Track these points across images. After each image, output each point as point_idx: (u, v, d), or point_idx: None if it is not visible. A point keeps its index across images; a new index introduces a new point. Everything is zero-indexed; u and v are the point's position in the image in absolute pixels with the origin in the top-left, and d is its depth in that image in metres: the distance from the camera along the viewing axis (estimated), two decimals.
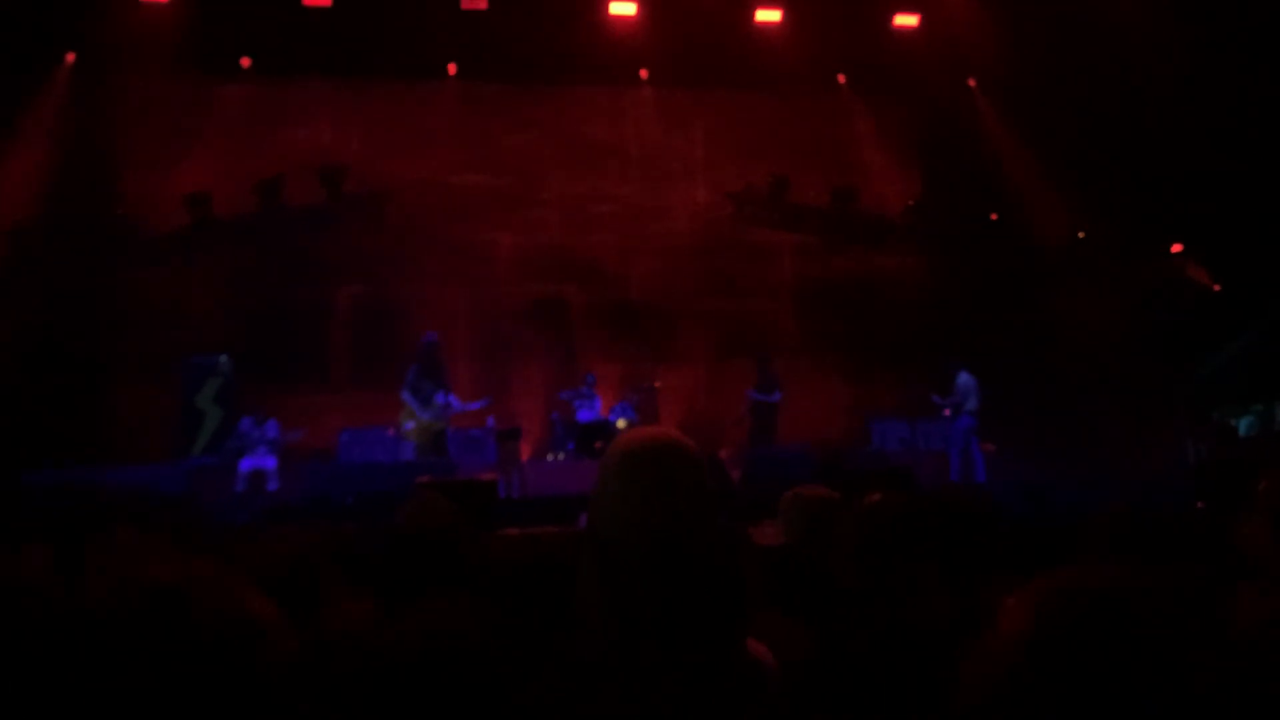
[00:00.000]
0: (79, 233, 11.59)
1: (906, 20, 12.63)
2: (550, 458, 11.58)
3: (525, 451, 11.35)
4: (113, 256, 11.87)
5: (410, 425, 9.98)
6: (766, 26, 12.50)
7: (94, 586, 0.62)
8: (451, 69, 12.94)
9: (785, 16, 12.42)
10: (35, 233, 11.41)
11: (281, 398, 11.60)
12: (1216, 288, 12.23)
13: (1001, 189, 13.06)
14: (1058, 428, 11.70)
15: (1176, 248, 12.70)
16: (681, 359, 13.01)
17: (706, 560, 1.61)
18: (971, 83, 13.55)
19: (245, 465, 10.37)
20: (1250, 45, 9.96)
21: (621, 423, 11.44)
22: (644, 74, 13.42)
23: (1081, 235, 13.06)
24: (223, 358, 11.48)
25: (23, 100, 11.33)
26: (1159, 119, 10.81)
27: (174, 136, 12.28)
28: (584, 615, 1.62)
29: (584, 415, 11.68)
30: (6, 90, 11.04)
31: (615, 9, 12.17)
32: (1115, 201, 11.91)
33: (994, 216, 13.45)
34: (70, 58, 11.70)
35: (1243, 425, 11.94)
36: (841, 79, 13.75)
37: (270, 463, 10.44)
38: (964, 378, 11.26)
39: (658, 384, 12.43)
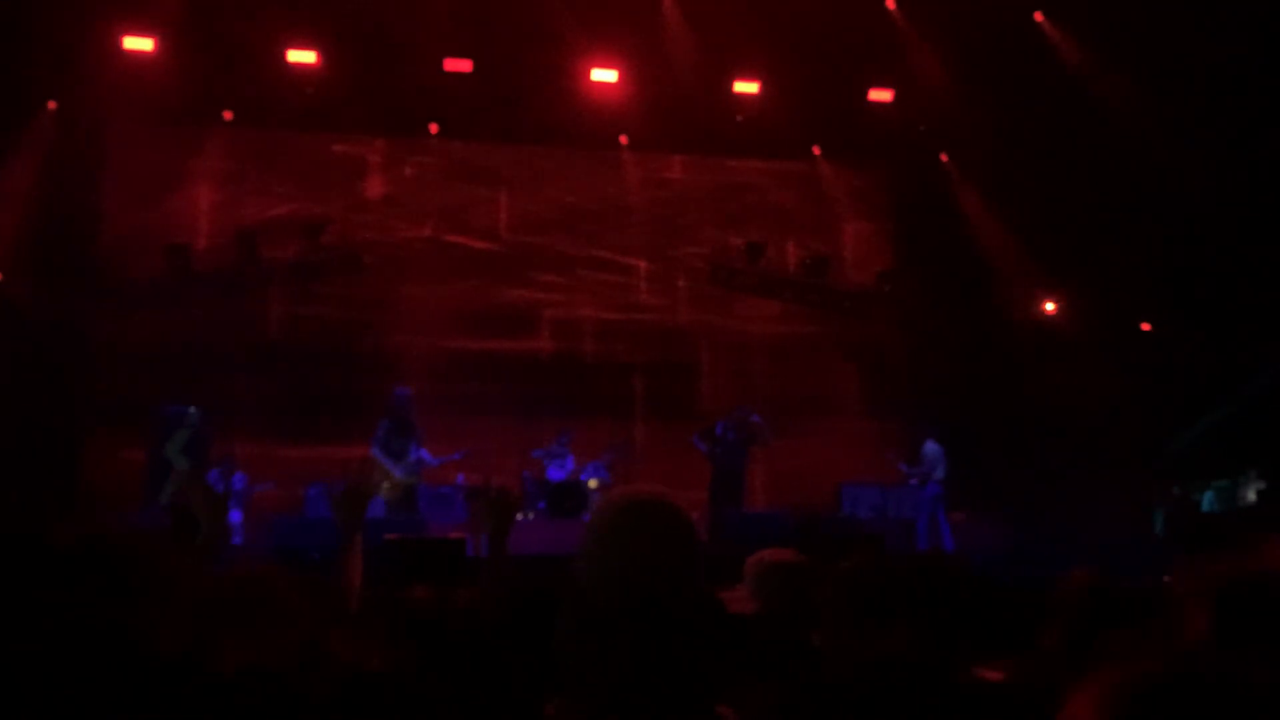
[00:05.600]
0: (56, 278, 11.49)
1: (881, 94, 12.87)
2: (521, 517, 11.47)
3: None
4: (88, 304, 11.78)
5: (382, 481, 9.85)
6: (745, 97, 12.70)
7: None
8: (433, 128, 13.07)
9: (763, 89, 12.61)
10: (12, 278, 11.32)
11: (250, 450, 11.47)
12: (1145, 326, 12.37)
13: (974, 260, 13.26)
14: (1029, 497, 11.74)
15: (1145, 326, 12.81)
16: (655, 416, 13.01)
17: (686, 621, 1.61)
18: (944, 157, 13.81)
19: None
20: (1224, 123, 10.22)
21: (593, 483, 11.36)
22: (624, 140, 13.60)
23: (1052, 307, 13.23)
24: (192, 409, 11.34)
25: (3, 147, 11.30)
26: (1135, 192, 11.06)
27: (154, 185, 12.28)
28: (564, 670, 1.61)
29: (554, 474, 11.60)
30: None
31: (596, 75, 12.33)
32: (1089, 273, 12.11)
33: (961, 288, 13.61)
34: (52, 105, 11.70)
35: (1205, 500, 12.04)
36: (816, 150, 13.99)
37: (235, 516, 10.29)
38: (930, 446, 11.33)
39: (632, 443, 12.40)
